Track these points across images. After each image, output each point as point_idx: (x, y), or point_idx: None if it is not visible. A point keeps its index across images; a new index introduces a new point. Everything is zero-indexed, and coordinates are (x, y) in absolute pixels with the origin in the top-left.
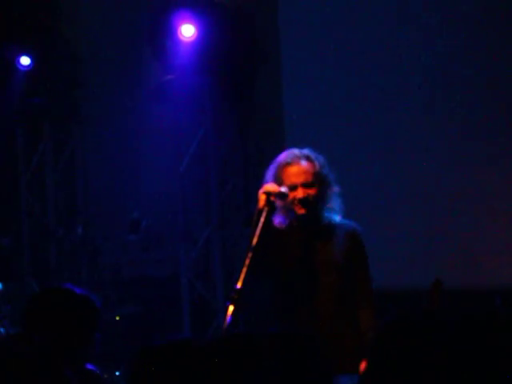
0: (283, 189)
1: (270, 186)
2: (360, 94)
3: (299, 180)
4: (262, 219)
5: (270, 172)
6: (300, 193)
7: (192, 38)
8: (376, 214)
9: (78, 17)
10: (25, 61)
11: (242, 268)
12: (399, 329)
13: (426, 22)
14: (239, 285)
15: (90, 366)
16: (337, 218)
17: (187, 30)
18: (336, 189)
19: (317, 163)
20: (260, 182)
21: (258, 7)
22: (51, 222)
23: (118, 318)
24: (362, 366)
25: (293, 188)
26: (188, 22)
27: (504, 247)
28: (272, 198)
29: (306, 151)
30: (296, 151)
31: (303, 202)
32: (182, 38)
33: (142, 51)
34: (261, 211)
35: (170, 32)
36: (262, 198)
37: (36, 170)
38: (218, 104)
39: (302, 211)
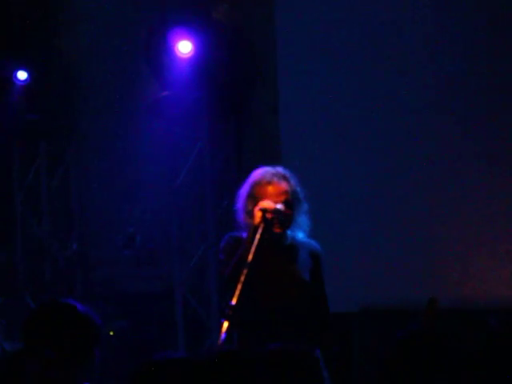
0: (279, 206)
1: (266, 203)
2: (357, 108)
3: (280, 199)
4: (258, 236)
5: (244, 191)
6: (283, 210)
7: (189, 55)
8: (369, 231)
9: (76, 32)
10: (22, 75)
11: (236, 284)
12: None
13: (425, 22)
14: (234, 301)
15: None
16: (300, 236)
17: (184, 47)
18: (306, 207)
19: (292, 182)
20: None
21: (255, 24)
22: (46, 237)
23: (111, 334)
24: None
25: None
26: (185, 39)
27: (499, 267)
28: (268, 215)
29: (280, 170)
30: (271, 170)
31: (282, 217)
32: (179, 54)
33: (139, 67)
34: (256, 227)
35: (167, 48)
36: (258, 214)
37: (31, 186)
38: (214, 120)
39: (278, 230)
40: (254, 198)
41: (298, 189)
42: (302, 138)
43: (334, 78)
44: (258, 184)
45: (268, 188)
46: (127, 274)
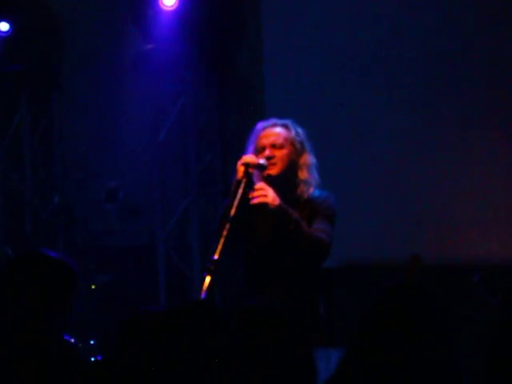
0: (261, 160)
1: (249, 158)
2: (342, 62)
3: (268, 141)
4: (240, 190)
5: (250, 138)
6: (267, 152)
7: (173, 7)
8: (351, 188)
9: None
10: (3, 27)
11: (218, 239)
12: (391, 301)
13: (419, 19)
14: (216, 256)
15: (66, 337)
16: (314, 192)
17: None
18: (312, 159)
19: (292, 130)
20: (239, 154)
21: None
22: (28, 191)
23: (93, 287)
24: None
25: (262, 150)
26: None
27: (482, 223)
28: (250, 170)
29: (286, 120)
30: (275, 119)
31: (269, 159)
32: (162, 6)
33: (122, 20)
34: (239, 182)
35: (151, 1)
36: (241, 169)
37: (13, 140)
38: (197, 75)
39: (270, 171)
40: (253, 144)
41: (301, 138)
42: (287, 91)
43: (320, 29)
44: (256, 130)
45: (262, 132)
46: (109, 228)
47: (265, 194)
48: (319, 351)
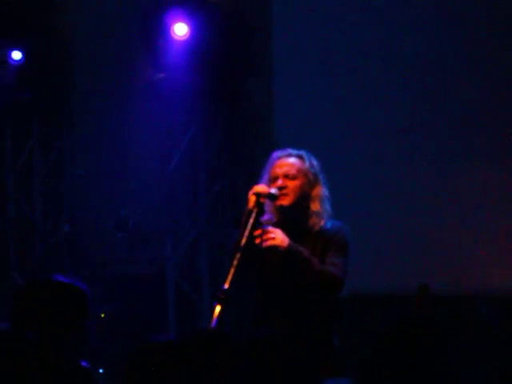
0: (273, 190)
1: (260, 187)
2: (350, 95)
3: (281, 171)
4: (251, 220)
5: (265, 168)
6: (279, 182)
7: (185, 37)
8: (363, 219)
9: (72, 13)
10: (16, 55)
11: (229, 268)
12: (401, 331)
13: (420, 25)
14: (226, 285)
15: (84, 363)
16: (326, 223)
17: (180, 29)
18: (325, 191)
19: (307, 162)
20: (249, 183)
21: (252, 7)
22: (38, 218)
23: (103, 316)
24: None
25: (275, 179)
26: (181, 21)
27: (490, 253)
28: (262, 200)
29: (301, 151)
30: (290, 150)
31: (282, 189)
32: (174, 36)
33: (134, 49)
34: (250, 212)
35: (163, 30)
36: (252, 198)
37: (24, 167)
38: (208, 104)
39: (282, 201)
40: (267, 173)
41: (315, 170)
42: (296, 123)
43: (330, 63)
44: (271, 160)
45: (276, 162)
46: (119, 257)
47: (274, 236)
48: (329, 382)
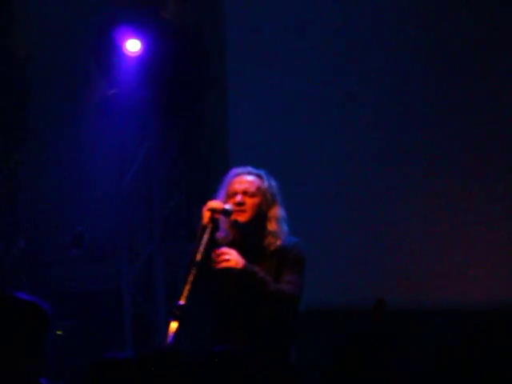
0: (227, 206)
1: (214, 203)
2: (307, 113)
3: (240, 188)
4: (206, 236)
5: (222, 183)
6: (238, 198)
7: (137, 53)
8: (319, 234)
9: (25, 30)
10: None
11: (184, 284)
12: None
13: (385, 17)
14: (182, 301)
15: (43, 381)
16: (281, 242)
17: (133, 45)
18: (282, 212)
19: (266, 181)
20: (203, 199)
21: (205, 22)
22: None
23: (59, 333)
24: None
25: (233, 195)
26: (133, 37)
27: (446, 267)
28: (216, 216)
29: (260, 171)
30: (250, 168)
31: (239, 205)
32: (127, 52)
33: (87, 65)
34: (205, 228)
35: (115, 46)
36: (206, 214)
37: None
38: (162, 119)
39: (239, 217)
40: (224, 189)
41: (273, 190)
42: (251, 138)
43: (286, 78)
44: (229, 176)
45: (234, 179)
46: (75, 273)
47: (228, 258)
48: None
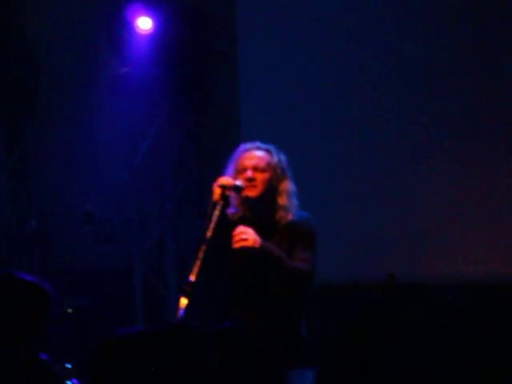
0: (238, 182)
1: (225, 180)
2: (319, 87)
3: (250, 163)
4: (217, 212)
5: (231, 159)
6: (248, 174)
7: (149, 31)
8: (330, 209)
9: (36, 10)
10: None
11: (195, 261)
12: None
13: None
14: (192, 277)
15: (43, 356)
16: (294, 217)
17: (144, 23)
18: (292, 186)
19: (275, 156)
20: (215, 176)
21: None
22: (4, 215)
23: (70, 311)
24: None
25: (243, 171)
26: (145, 15)
27: (457, 242)
28: (227, 192)
29: (270, 146)
30: (259, 143)
31: (250, 180)
32: (138, 30)
33: (98, 44)
34: (215, 204)
35: (127, 24)
36: (217, 191)
37: None
38: (173, 97)
39: (250, 192)
40: (233, 165)
41: (283, 165)
42: (263, 114)
43: (296, 55)
44: (238, 152)
45: (244, 154)
46: (86, 251)
47: (246, 237)
48: (295, 372)
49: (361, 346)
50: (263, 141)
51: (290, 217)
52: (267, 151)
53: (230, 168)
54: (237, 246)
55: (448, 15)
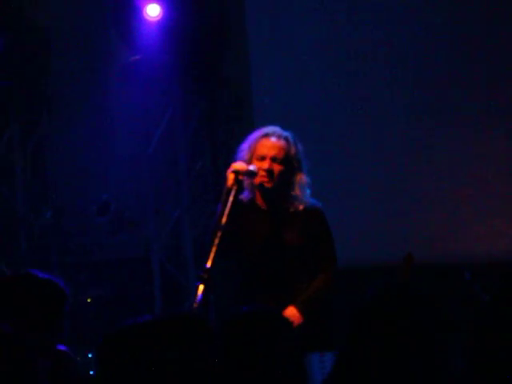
0: (252, 167)
1: (238, 165)
2: (329, 70)
3: (270, 153)
4: (231, 198)
5: (247, 142)
6: (266, 164)
7: (158, 18)
8: (346, 191)
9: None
10: None
11: (211, 247)
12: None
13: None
14: (209, 264)
15: (61, 347)
16: (303, 206)
17: (152, 10)
18: (306, 178)
19: (293, 146)
20: (229, 161)
21: None
22: (20, 207)
23: (89, 301)
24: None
25: (261, 159)
26: (153, 2)
27: (474, 222)
28: (240, 177)
29: (287, 133)
30: (278, 128)
31: (268, 172)
32: (147, 17)
33: (108, 32)
34: (229, 190)
35: (136, 12)
36: (231, 176)
37: (3, 156)
38: (185, 84)
39: (266, 183)
40: (250, 148)
41: (300, 157)
42: (275, 99)
43: (307, 39)
44: (257, 135)
45: (264, 140)
46: (103, 242)
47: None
48: (314, 355)
49: (379, 329)
50: (276, 123)
51: (301, 207)
52: (286, 140)
53: (246, 151)
54: None
55: (448, 17)
